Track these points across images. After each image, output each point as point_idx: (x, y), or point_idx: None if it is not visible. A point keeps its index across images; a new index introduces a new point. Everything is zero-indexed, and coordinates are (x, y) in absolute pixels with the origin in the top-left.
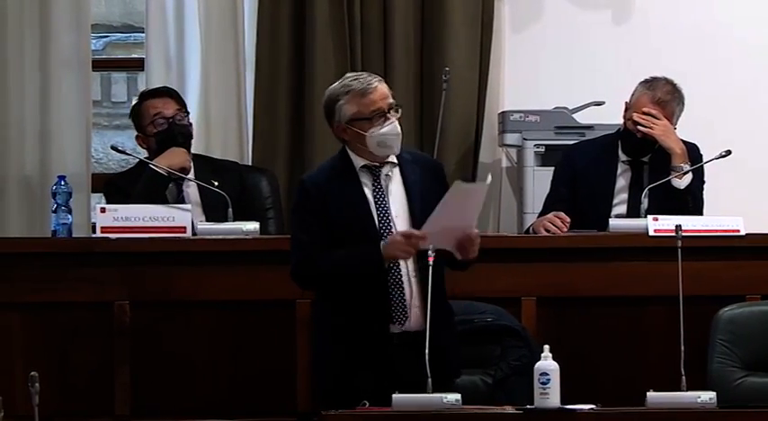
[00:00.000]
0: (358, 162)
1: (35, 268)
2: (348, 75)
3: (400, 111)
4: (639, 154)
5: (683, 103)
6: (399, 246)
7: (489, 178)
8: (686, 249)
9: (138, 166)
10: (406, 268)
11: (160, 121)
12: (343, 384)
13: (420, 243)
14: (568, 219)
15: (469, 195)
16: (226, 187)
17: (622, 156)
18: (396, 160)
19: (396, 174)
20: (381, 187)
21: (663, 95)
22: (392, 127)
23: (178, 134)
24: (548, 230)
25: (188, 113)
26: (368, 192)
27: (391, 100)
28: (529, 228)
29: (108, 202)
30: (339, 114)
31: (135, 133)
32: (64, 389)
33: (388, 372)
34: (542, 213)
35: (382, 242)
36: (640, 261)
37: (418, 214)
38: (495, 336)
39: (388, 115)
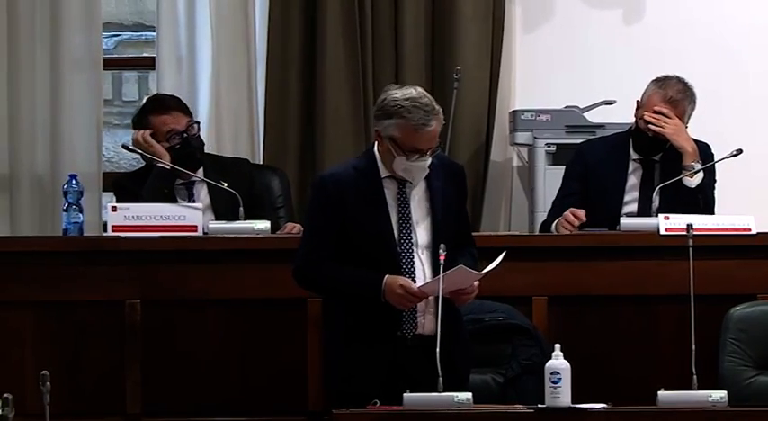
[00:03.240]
0: (384, 171)
1: (46, 267)
2: (413, 93)
3: (438, 151)
4: (651, 152)
5: (694, 102)
6: (397, 298)
7: (498, 261)
8: (697, 248)
9: (146, 167)
10: (423, 277)
11: (175, 138)
12: (354, 385)
13: (416, 300)
14: (582, 212)
15: (468, 276)
16: (234, 186)
17: (634, 155)
18: None
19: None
20: (405, 194)
21: (674, 94)
22: (422, 164)
23: (195, 149)
24: (565, 228)
25: (197, 122)
26: (390, 197)
27: (435, 142)
28: (548, 226)
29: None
30: (384, 126)
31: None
32: (75, 388)
33: (400, 374)
34: (553, 207)
35: (385, 277)
36: (651, 260)
37: (439, 220)
38: (506, 335)
39: (428, 153)
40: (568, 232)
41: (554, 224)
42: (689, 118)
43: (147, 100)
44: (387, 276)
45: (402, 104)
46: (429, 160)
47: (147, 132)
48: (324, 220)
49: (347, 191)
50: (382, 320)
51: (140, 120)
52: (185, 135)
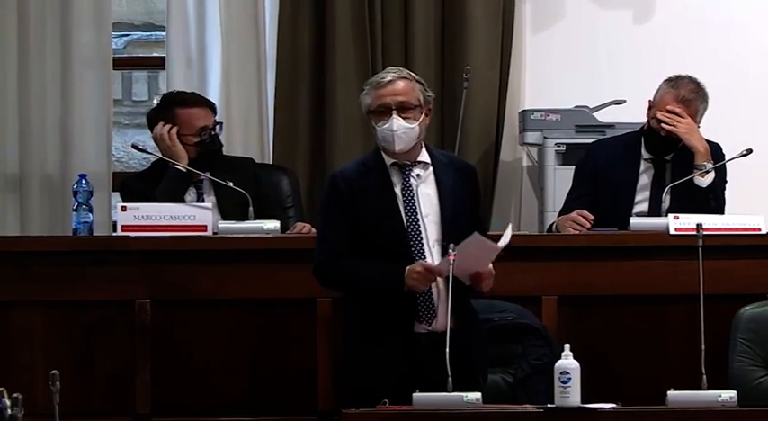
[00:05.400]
0: (388, 159)
1: (56, 267)
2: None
3: (420, 111)
4: (663, 152)
5: (706, 102)
6: (416, 277)
7: (507, 238)
8: (707, 248)
9: (154, 168)
10: None
11: (206, 133)
12: (370, 383)
13: (436, 276)
14: (592, 217)
15: (485, 248)
16: (240, 185)
17: (645, 154)
18: (429, 161)
19: (429, 174)
20: (410, 186)
21: (687, 94)
22: (389, 124)
23: (219, 149)
24: (574, 228)
25: (221, 122)
26: (397, 190)
27: (402, 98)
28: (551, 225)
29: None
30: (362, 106)
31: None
32: (85, 388)
33: (415, 372)
34: (563, 209)
35: (408, 268)
36: (661, 260)
37: (449, 216)
38: (515, 335)
39: (393, 113)
40: (576, 232)
41: (555, 223)
42: (701, 118)
43: (171, 94)
44: (407, 266)
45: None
46: (404, 123)
47: (175, 129)
48: (338, 217)
49: (357, 186)
50: (397, 318)
51: (163, 113)
52: (213, 133)
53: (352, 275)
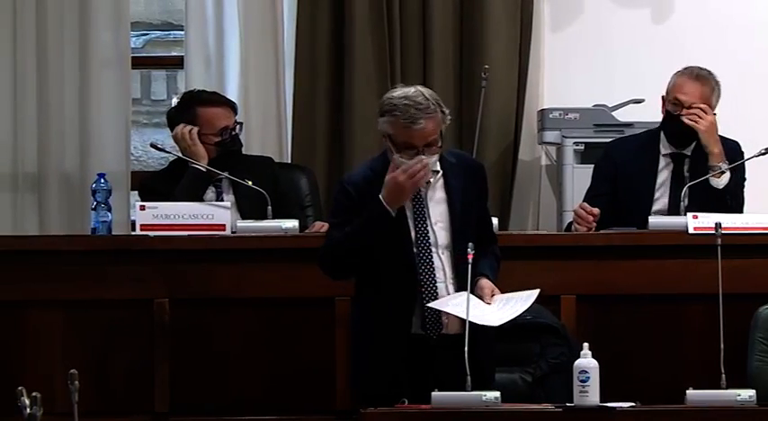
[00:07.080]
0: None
1: (75, 266)
2: (411, 91)
3: (440, 138)
4: (682, 141)
5: (719, 88)
6: (396, 187)
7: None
8: (726, 247)
9: (172, 167)
10: (444, 276)
11: (227, 133)
12: (377, 386)
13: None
14: (590, 208)
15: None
16: (259, 184)
17: (664, 150)
18: (439, 166)
19: (439, 180)
20: (421, 196)
21: (699, 71)
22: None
23: (239, 150)
24: (580, 224)
25: (241, 122)
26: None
27: (430, 139)
28: (570, 224)
29: None
30: (380, 123)
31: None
32: (103, 387)
33: (428, 375)
34: None
35: (381, 193)
36: (680, 259)
37: (458, 222)
38: (534, 334)
39: (421, 152)
40: (585, 230)
41: (573, 224)
42: (716, 102)
43: (192, 93)
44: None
45: (395, 102)
46: (427, 159)
47: (195, 129)
48: (345, 223)
49: (365, 192)
50: (404, 321)
51: (184, 113)
52: (234, 133)
53: (342, 238)
